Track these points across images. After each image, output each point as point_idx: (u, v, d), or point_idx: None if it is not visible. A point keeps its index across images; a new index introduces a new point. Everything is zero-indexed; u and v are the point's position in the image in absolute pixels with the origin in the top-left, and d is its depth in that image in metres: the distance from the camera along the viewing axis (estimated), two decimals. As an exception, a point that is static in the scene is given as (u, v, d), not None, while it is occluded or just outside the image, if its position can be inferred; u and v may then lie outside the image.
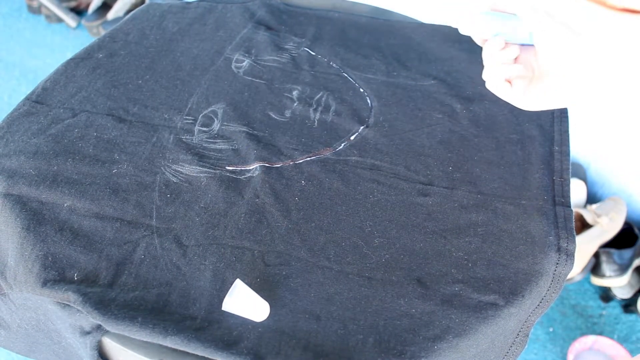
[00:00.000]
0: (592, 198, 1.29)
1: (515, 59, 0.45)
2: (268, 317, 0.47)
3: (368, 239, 0.54)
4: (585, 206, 1.23)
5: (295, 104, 0.69)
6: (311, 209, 0.57)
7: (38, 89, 0.68)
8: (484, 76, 0.46)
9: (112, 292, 0.48)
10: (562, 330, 1.13)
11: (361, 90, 0.72)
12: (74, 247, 0.52)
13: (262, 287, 0.50)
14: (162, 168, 0.60)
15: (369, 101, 0.70)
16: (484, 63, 0.46)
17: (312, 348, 0.46)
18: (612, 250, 1.13)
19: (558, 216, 0.56)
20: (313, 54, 0.78)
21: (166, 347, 0.47)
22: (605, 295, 1.17)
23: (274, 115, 0.67)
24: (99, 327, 0.48)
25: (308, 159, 0.62)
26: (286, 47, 0.79)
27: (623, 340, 1.11)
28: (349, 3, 0.92)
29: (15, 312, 0.54)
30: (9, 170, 0.58)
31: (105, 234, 0.53)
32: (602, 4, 0.37)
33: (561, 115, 0.68)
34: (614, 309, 1.17)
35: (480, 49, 0.46)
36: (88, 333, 0.48)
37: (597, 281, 1.14)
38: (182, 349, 0.45)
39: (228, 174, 0.60)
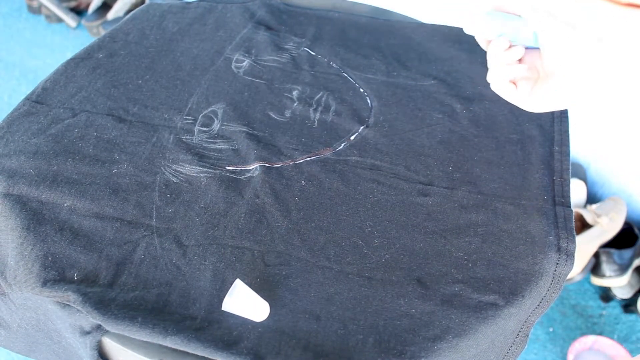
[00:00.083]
0: (592, 198, 1.29)
1: (520, 60, 0.45)
2: (268, 317, 0.47)
3: (368, 239, 0.54)
4: (585, 206, 1.23)
5: (295, 104, 0.69)
6: (311, 209, 0.57)
7: (38, 89, 0.68)
8: (489, 77, 0.46)
9: (112, 292, 0.48)
10: (562, 330, 1.13)
11: (361, 90, 0.72)
12: (74, 247, 0.52)
13: (262, 287, 0.50)
14: (162, 168, 0.60)
15: (369, 101, 0.70)
16: (489, 64, 0.46)
17: (312, 348, 0.46)
18: (612, 250, 1.13)
19: (558, 216, 0.56)
20: (313, 54, 0.78)
21: (166, 347, 0.47)
22: (605, 295, 1.17)
23: (274, 115, 0.67)
24: (99, 327, 0.48)
25: (308, 159, 0.62)
26: (286, 47, 0.79)
27: (623, 340, 1.11)
28: (349, 3, 0.92)
29: (15, 312, 0.54)
30: (9, 170, 0.58)
31: (105, 234, 0.53)
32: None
33: (561, 115, 0.68)
34: (614, 309, 1.17)
35: (481, 48, 0.46)
36: (88, 333, 0.48)
37: (597, 281, 1.14)
38: (182, 349, 0.45)
39: (228, 174, 0.60)
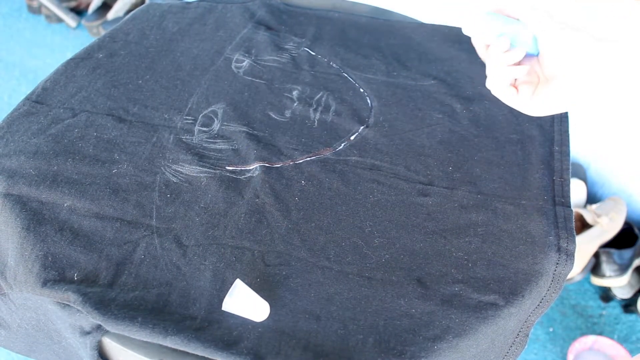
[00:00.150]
0: (592, 198, 1.29)
1: (519, 63, 0.45)
2: (268, 317, 0.47)
3: (368, 239, 0.54)
4: (585, 206, 1.23)
5: (295, 104, 0.69)
6: (311, 209, 0.57)
7: (38, 89, 0.68)
8: (489, 82, 0.45)
9: (112, 292, 0.48)
10: (562, 330, 1.13)
11: (361, 90, 0.72)
12: (74, 247, 0.52)
13: (262, 287, 0.50)
14: (162, 168, 0.60)
15: (369, 101, 0.70)
16: (488, 68, 0.45)
17: (312, 348, 0.46)
18: (612, 250, 1.13)
19: (558, 216, 0.56)
20: (313, 54, 0.78)
21: (166, 347, 0.47)
22: (605, 295, 1.17)
23: (274, 115, 0.67)
24: (99, 327, 0.48)
25: (308, 159, 0.62)
26: (286, 47, 0.79)
27: (623, 340, 1.11)
28: (349, 3, 0.92)
29: (15, 312, 0.54)
30: (9, 170, 0.58)
31: (105, 234, 0.53)
32: None
33: (561, 115, 0.68)
34: (614, 309, 1.17)
35: None
36: (88, 333, 0.48)
37: (597, 281, 1.14)
38: (182, 349, 0.45)
39: (228, 174, 0.60)
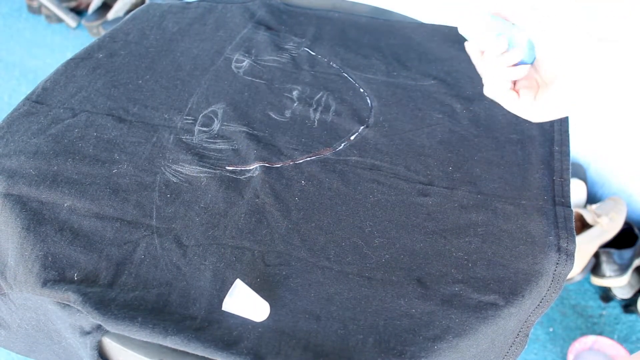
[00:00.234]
0: (592, 198, 1.29)
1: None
2: (268, 317, 0.47)
3: (368, 239, 0.54)
4: (585, 206, 1.23)
5: (295, 104, 0.69)
6: (311, 209, 0.57)
7: (38, 89, 0.68)
8: (487, 89, 0.43)
9: (112, 292, 0.48)
10: (562, 330, 1.13)
11: (361, 90, 0.72)
12: (74, 247, 0.52)
13: (262, 287, 0.50)
14: (162, 168, 0.60)
15: (369, 101, 0.70)
16: (485, 73, 0.43)
17: (312, 348, 0.46)
18: (612, 250, 1.13)
19: (558, 216, 0.56)
20: (313, 54, 0.78)
21: (166, 347, 0.47)
22: (605, 295, 1.17)
23: (274, 115, 0.67)
24: (99, 327, 0.48)
25: (308, 159, 0.62)
26: (286, 47, 0.79)
27: (623, 340, 1.11)
28: (349, 3, 0.92)
29: (15, 312, 0.54)
30: (9, 170, 0.58)
31: (105, 234, 0.53)
32: None
33: (561, 115, 0.68)
34: (614, 309, 1.17)
35: None
36: (88, 333, 0.48)
37: (597, 281, 1.14)
38: (182, 349, 0.45)
39: (228, 174, 0.60)
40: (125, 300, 0.48)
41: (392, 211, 0.57)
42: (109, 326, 0.46)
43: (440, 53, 0.79)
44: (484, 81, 0.44)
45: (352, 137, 0.65)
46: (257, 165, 0.60)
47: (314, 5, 0.90)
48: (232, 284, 0.48)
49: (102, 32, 1.72)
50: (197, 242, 0.53)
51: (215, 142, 0.63)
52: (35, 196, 0.55)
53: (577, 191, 1.22)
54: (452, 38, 0.81)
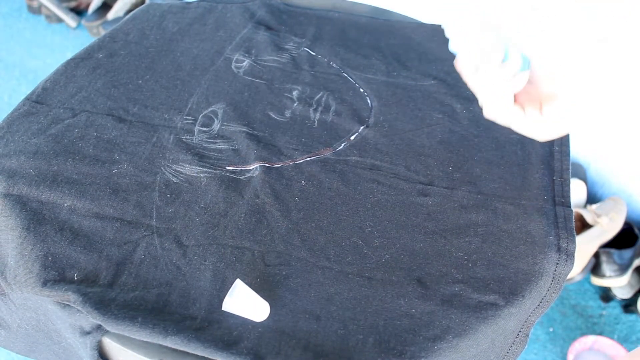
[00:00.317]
0: (592, 198, 1.29)
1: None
2: (268, 317, 0.47)
3: (368, 239, 0.54)
4: (585, 206, 1.23)
5: (295, 104, 0.69)
6: (311, 209, 0.57)
7: (38, 89, 0.68)
8: (488, 108, 0.40)
9: (112, 292, 0.48)
10: (562, 330, 1.13)
11: (361, 90, 0.72)
12: (74, 247, 0.52)
13: (262, 287, 0.50)
14: (162, 168, 0.60)
15: (369, 101, 0.70)
16: (482, 91, 0.40)
17: (312, 348, 0.46)
18: (612, 250, 1.13)
19: (558, 216, 0.56)
20: (313, 54, 0.78)
21: (166, 347, 0.47)
22: (605, 295, 1.17)
23: (274, 115, 0.67)
24: (99, 327, 0.48)
25: (308, 159, 0.62)
26: (286, 47, 0.79)
27: (623, 341, 1.11)
28: (349, 3, 0.92)
29: (15, 312, 0.54)
30: (9, 170, 0.58)
31: (105, 234, 0.53)
32: None
33: (561, 115, 0.68)
34: (614, 309, 1.17)
35: None
36: (88, 333, 0.48)
37: (597, 281, 1.14)
38: (182, 349, 0.45)
39: (228, 174, 0.60)
40: (125, 300, 0.48)
41: (392, 211, 0.57)
42: (109, 326, 0.46)
43: (440, 53, 0.79)
44: (482, 101, 0.41)
45: (352, 137, 0.65)
46: (257, 165, 0.60)
47: (314, 5, 0.90)
48: (232, 284, 0.48)
49: (102, 32, 1.72)
50: (197, 242, 0.53)
51: (215, 142, 0.63)
52: (35, 196, 0.55)
53: (577, 191, 1.22)
54: (452, 38, 0.81)
